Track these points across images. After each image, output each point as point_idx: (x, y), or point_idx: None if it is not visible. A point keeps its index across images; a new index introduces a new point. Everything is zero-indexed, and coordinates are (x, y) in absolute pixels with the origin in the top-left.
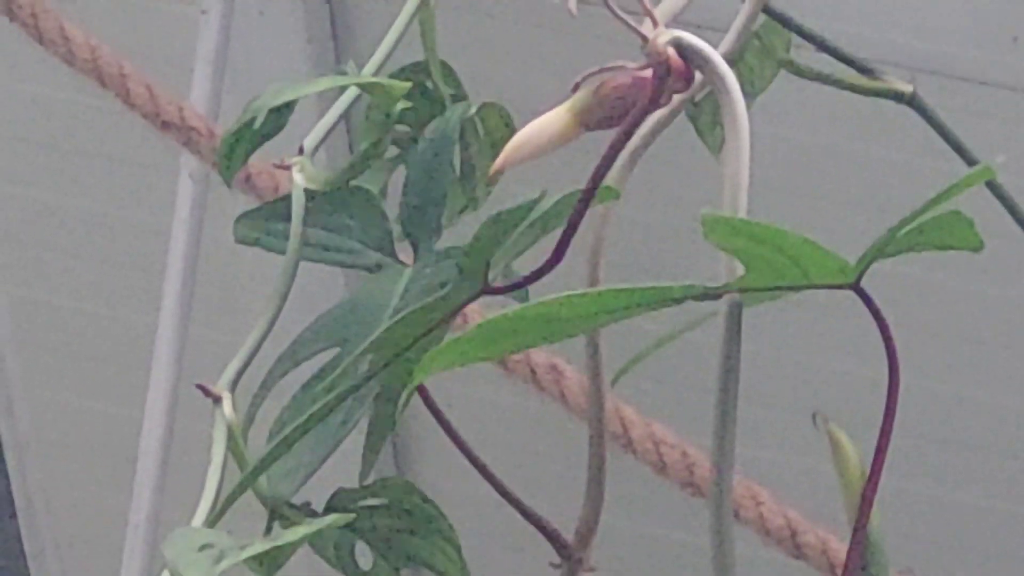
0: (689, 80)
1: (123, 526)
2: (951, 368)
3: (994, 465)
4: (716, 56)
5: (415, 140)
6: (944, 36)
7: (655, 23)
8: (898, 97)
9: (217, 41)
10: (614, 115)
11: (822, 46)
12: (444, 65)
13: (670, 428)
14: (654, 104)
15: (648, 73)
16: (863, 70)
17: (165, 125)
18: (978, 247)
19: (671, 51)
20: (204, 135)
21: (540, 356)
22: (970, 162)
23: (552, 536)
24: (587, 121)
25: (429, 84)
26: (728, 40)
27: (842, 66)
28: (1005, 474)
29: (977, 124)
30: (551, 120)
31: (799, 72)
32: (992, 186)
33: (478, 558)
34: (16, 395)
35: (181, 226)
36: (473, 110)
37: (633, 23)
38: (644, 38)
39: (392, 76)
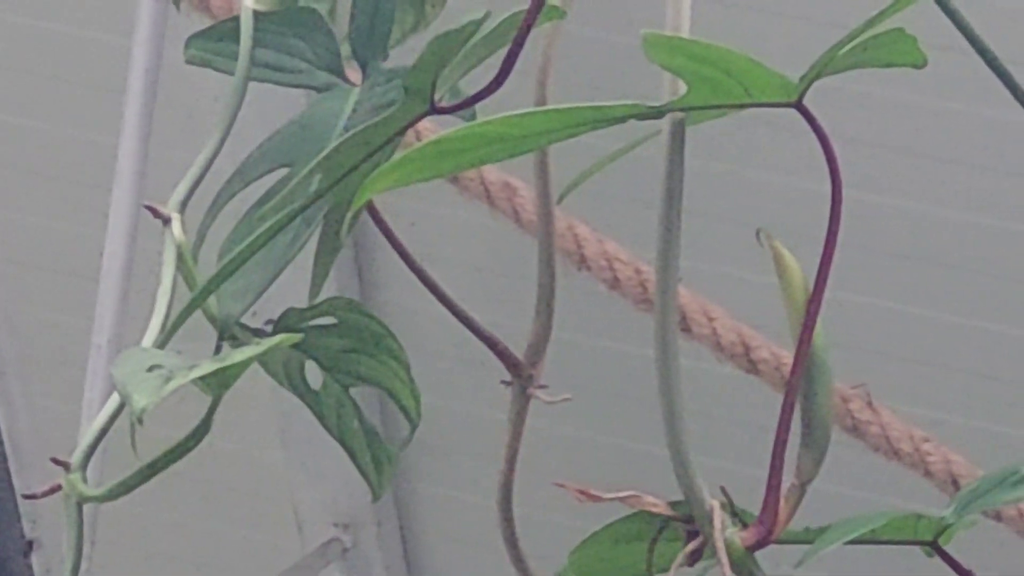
0: None
1: (86, 346)
2: (896, 181)
3: (943, 278)
4: None
5: None
6: None
7: None
8: None
9: None
10: None
11: None
12: None
13: (623, 246)
14: None
15: None
16: None
17: None
18: (921, 63)
19: None
20: None
21: (494, 174)
22: None
23: (503, 354)
24: None
25: None
26: None
27: None
28: (956, 287)
29: None
30: None
31: None
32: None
33: (433, 376)
34: None
35: (141, 45)
36: None
37: None
38: None
39: None
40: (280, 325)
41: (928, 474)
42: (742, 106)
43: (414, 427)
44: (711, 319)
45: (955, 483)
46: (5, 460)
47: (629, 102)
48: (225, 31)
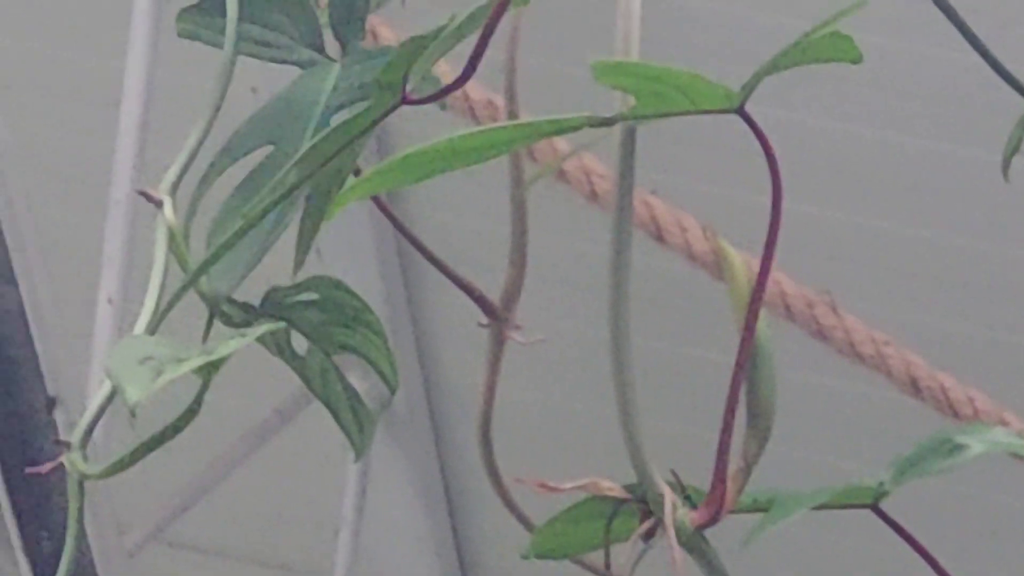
0: None
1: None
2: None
3: (902, 194)
4: None
5: None
6: None
7: None
8: None
9: None
10: None
11: None
12: None
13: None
14: None
15: None
16: None
17: None
18: (857, 59)
19: None
20: None
21: (477, 92)
22: None
23: (480, 299)
24: None
25: None
26: None
27: None
28: (913, 202)
29: None
30: None
31: None
32: None
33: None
34: None
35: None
36: None
37: None
38: None
39: None
40: (266, 302)
41: (890, 375)
42: (687, 113)
43: (393, 390)
44: (684, 229)
45: (914, 384)
46: (25, 319)
47: (583, 115)
48: (214, 5)
